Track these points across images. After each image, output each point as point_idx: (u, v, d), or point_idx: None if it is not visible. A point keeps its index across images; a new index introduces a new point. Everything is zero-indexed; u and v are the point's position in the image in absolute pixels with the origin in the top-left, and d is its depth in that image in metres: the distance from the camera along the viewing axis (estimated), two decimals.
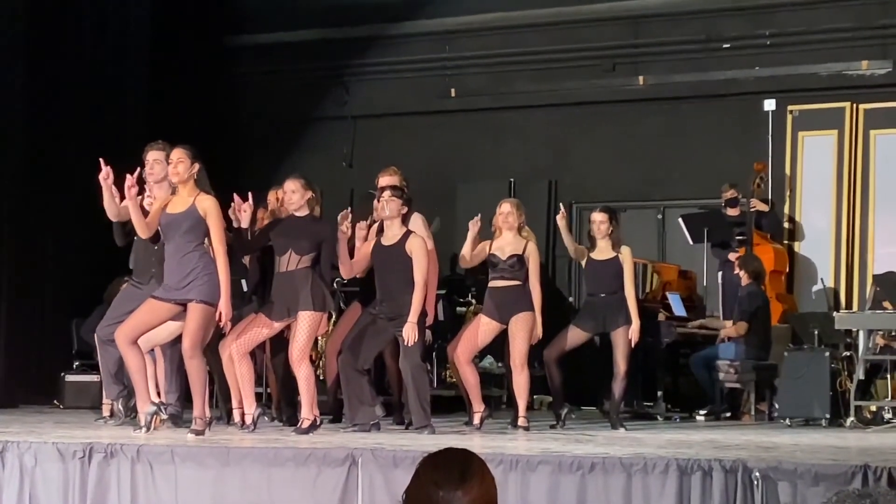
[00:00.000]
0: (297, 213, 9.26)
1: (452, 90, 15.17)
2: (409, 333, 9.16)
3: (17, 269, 12.78)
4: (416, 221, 9.78)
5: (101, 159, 9.17)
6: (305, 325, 9.04)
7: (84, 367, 12.61)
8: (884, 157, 13.32)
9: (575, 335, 10.37)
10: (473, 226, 10.06)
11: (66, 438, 8.04)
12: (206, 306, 8.62)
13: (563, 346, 10.36)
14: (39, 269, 13.09)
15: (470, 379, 9.95)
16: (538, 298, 9.92)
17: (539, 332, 9.91)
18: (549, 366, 10.38)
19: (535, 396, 11.92)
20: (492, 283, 10.01)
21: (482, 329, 9.98)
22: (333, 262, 9.42)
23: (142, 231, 8.87)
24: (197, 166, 8.75)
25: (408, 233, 9.45)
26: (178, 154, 8.78)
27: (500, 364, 11.39)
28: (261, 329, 9.23)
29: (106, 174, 9.11)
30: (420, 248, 9.35)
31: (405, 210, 9.49)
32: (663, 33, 14.41)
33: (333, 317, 12.48)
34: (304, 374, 9.12)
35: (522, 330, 9.84)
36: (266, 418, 9.90)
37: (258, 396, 9.80)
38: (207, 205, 8.66)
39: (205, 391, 8.86)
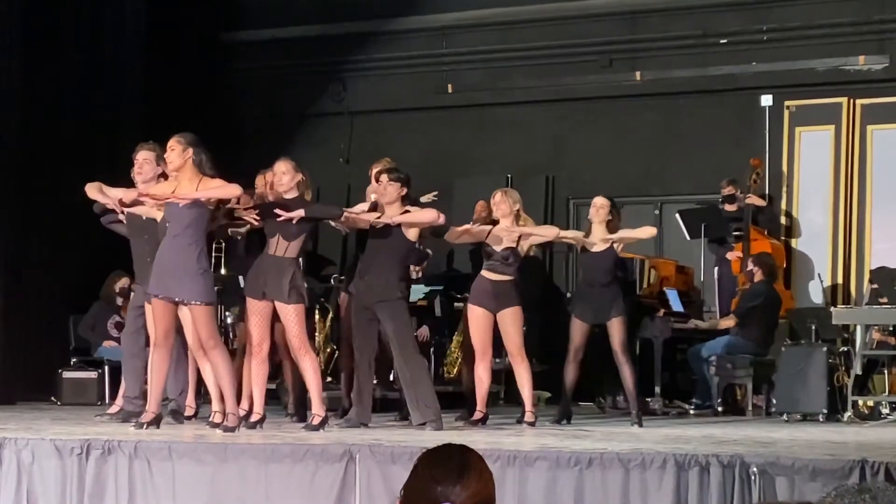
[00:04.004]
0: (287, 195, 9.15)
1: (449, 86, 15.17)
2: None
3: (14, 267, 12.77)
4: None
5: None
6: (291, 318, 8.96)
7: (81, 363, 12.61)
8: (881, 152, 13.31)
9: (578, 328, 10.28)
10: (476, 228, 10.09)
11: (63, 435, 8.04)
12: (209, 306, 8.66)
13: (577, 340, 10.28)
14: (36, 266, 13.07)
15: (486, 381, 9.93)
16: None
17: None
18: (571, 364, 10.28)
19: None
20: (484, 272, 9.94)
21: (481, 324, 9.88)
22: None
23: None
24: (190, 151, 8.68)
25: (406, 211, 9.43)
26: (171, 143, 8.76)
27: (496, 360, 11.36)
28: (252, 320, 9.15)
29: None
30: (417, 209, 9.46)
31: (404, 192, 9.47)
32: (660, 28, 14.41)
33: (331, 312, 12.51)
34: (309, 367, 9.03)
35: (513, 324, 9.81)
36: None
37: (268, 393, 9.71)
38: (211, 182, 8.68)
39: (233, 384, 8.82)
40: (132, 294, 10.06)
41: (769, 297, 12.06)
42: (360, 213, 9.71)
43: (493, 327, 9.90)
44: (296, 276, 9.00)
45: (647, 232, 10.73)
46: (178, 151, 8.69)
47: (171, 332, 8.82)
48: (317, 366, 9.20)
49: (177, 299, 8.67)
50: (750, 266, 12.22)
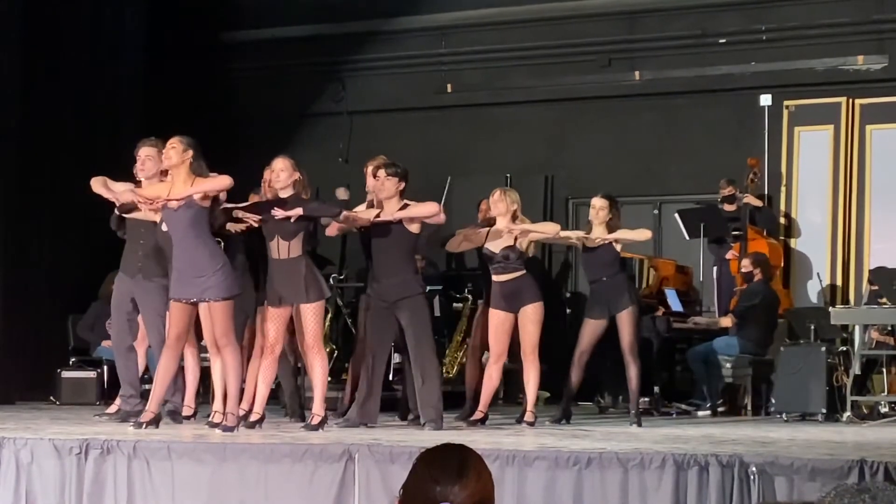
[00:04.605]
0: (282, 194, 9.09)
1: (448, 85, 15.17)
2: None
3: (13, 266, 12.78)
4: None
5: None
6: (311, 317, 8.95)
7: (80, 363, 12.62)
8: (880, 152, 13.31)
9: (589, 327, 10.24)
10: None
11: (62, 435, 8.04)
12: (228, 302, 8.64)
13: (585, 343, 10.25)
14: (35, 265, 13.08)
15: (495, 382, 9.90)
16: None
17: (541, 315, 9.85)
18: (576, 367, 10.26)
19: None
20: (494, 278, 9.90)
21: (500, 327, 9.83)
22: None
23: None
24: (190, 153, 8.70)
25: (405, 206, 9.38)
26: (172, 141, 8.78)
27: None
28: (269, 324, 9.14)
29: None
30: (417, 203, 9.37)
31: (402, 186, 9.41)
32: (659, 28, 14.41)
33: (330, 312, 12.51)
34: (318, 366, 9.02)
35: (532, 321, 9.75)
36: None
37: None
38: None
39: (239, 385, 8.82)
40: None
41: (767, 297, 12.07)
42: (358, 212, 9.69)
43: (512, 329, 9.85)
44: (308, 272, 8.97)
45: (643, 234, 10.64)
46: (178, 150, 8.71)
47: (183, 336, 8.82)
48: (326, 366, 9.19)
49: (194, 299, 8.68)
50: (748, 267, 12.21)
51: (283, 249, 8.99)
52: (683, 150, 14.16)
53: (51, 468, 7.70)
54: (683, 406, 12.08)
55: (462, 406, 10.55)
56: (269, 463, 7.42)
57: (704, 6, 14.22)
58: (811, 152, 13.59)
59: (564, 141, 14.71)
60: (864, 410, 11.09)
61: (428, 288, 12.47)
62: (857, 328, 11.04)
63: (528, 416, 9.81)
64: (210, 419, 9.13)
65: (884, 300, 11.08)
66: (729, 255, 12.98)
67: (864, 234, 13.27)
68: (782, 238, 13.48)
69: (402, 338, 9.49)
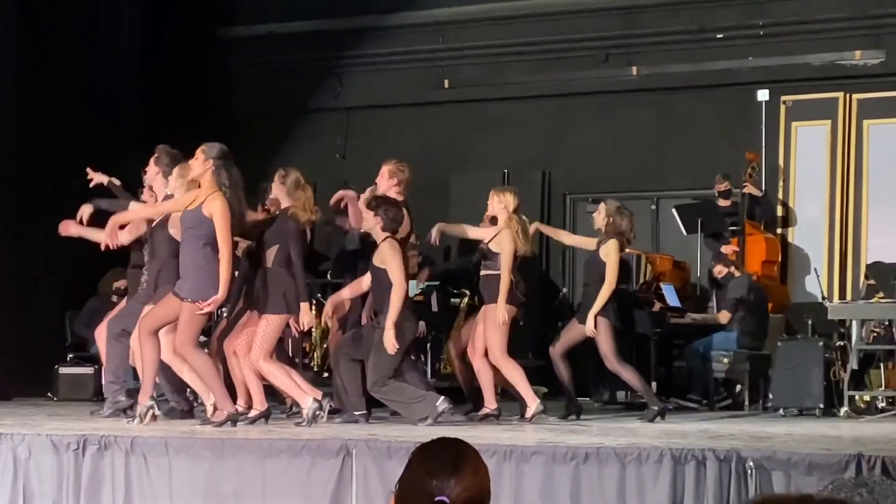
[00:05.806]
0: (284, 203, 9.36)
1: (446, 81, 15.15)
2: (388, 342, 9.10)
3: (11, 262, 12.77)
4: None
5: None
6: (262, 329, 9.01)
7: (78, 359, 12.60)
8: (877, 147, 13.31)
9: (574, 328, 10.29)
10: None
11: (60, 430, 8.05)
12: (192, 304, 8.64)
13: (566, 340, 10.28)
14: (33, 261, 13.07)
15: (484, 376, 9.91)
16: (503, 286, 9.78)
17: (500, 317, 9.74)
18: (555, 362, 10.30)
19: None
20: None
21: (478, 319, 9.98)
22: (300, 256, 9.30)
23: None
24: (210, 163, 8.75)
25: (388, 236, 9.40)
26: (198, 150, 8.89)
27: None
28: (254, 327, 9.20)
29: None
30: (388, 251, 9.27)
31: (379, 221, 9.35)
32: (657, 24, 14.40)
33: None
34: (272, 372, 9.04)
35: (487, 321, 9.84)
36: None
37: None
38: (214, 206, 8.69)
39: (215, 382, 8.83)
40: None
41: (752, 287, 12.10)
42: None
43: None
44: (276, 283, 9.05)
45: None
46: (199, 161, 8.82)
47: (157, 323, 8.86)
48: (281, 372, 9.09)
49: (174, 290, 8.75)
50: (721, 271, 12.23)
51: (266, 258, 9.16)
52: (681, 146, 14.15)
53: (48, 464, 7.70)
54: (681, 402, 12.08)
55: (463, 402, 10.56)
56: (267, 458, 7.43)
57: (702, 1, 14.21)
58: (808, 147, 13.58)
59: (562, 137, 14.69)
60: (862, 405, 11.09)
61: (426, 284, 12.53)
62: (854, 323, 11.04)
63: (527, 413, 9.83)
64: (207, 418, 9.14)
65: (881, 295, 11.09)
66: (725, 250, 12.96)
67: (862, 229, 13.27)
68: (780, 232, 13.48)
69: None
